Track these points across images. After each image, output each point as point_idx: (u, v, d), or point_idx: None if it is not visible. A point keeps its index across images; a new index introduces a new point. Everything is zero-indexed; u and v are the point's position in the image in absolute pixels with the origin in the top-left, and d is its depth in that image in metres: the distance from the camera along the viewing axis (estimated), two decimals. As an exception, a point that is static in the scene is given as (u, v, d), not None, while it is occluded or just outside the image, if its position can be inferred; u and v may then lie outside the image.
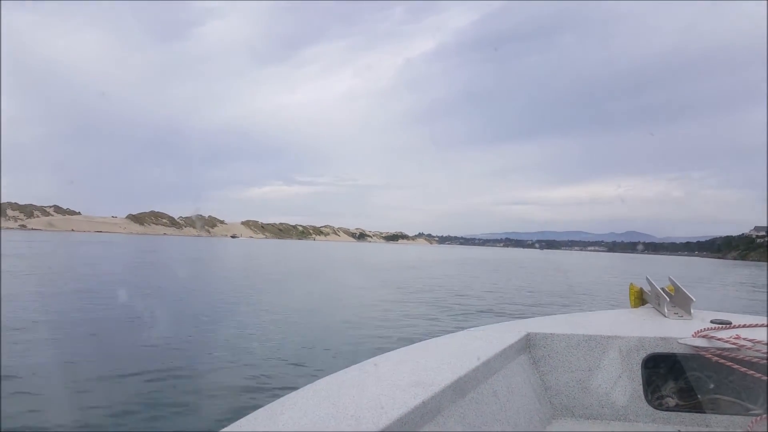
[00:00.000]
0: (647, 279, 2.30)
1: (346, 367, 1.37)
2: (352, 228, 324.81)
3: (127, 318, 9.51)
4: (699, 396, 1.67)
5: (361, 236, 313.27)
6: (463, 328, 2.01)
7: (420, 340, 1.75)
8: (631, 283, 2.40)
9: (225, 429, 0.94)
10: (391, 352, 1.56)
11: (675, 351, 1.70)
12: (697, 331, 1.73)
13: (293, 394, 1.14)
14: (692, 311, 2.05)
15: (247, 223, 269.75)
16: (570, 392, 1.77)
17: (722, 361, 1.59)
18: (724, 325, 1.79)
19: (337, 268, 30.19)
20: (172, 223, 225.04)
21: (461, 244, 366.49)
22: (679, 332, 1.75)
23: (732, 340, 1.63)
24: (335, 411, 1.02)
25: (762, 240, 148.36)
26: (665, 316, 2.05)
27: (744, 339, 1.62)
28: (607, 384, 1.74)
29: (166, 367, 5.99)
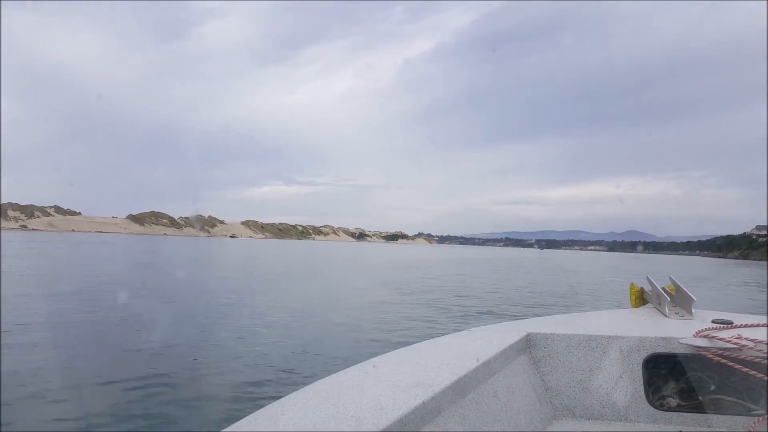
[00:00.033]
0: (648, 279, 2.29)
1: (346, 367, 1.36)
2: (351, 228, 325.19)
3: (126, 319, 9.50)
4: (700, 396, 1.67)
5: (361, 236, 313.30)
6: (463, 329, 2.00)
7: (420, 341, 1.74)
8: (632, 283, 2.40)
9: (225, 430, 0.94)
10: (391, 353, 1.56)
11: (676, 351, 1.69)
12: (699, 331, 1.72)
13: (293, 394, 1.14)
14: (693, 311, 2.04)
15: (246, 223, 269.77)
16: (571, 392, 1.76)
17: (724, 361, 1.58)
18: (725, 325, 1.78)
19: (335, 268, 30.17)
20: (172, 223, 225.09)
21: (461, 243, 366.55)
22: (680, 332, 1.74)
23: (733, 340, 1.62)
24: (335, 412, 1.02)
25: (763, 239, 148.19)
26: (666, 316, 2.04)
27: (746, 339, 1.61)
28: (608, 384, 1.73)
29: (165, 368, 5.99)
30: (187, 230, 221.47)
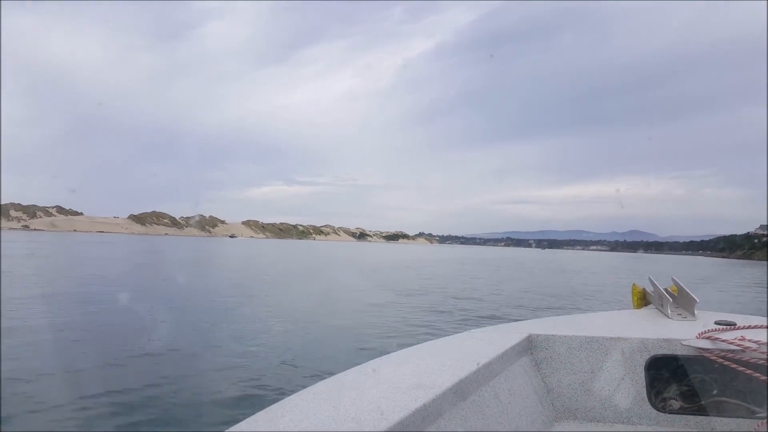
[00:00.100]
0: (650, 279, 2.27)
1: (346, 369, 1.36)
2: (352, 228, 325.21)
3: (125, 320, 9.51)
4: (703, 398, 1.65)
5: (362, 236, 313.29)
6: (464, 330, 1.99)
7: (420, 343, 1.73)
8: (634, 284, 2.38)
9: (225, 431, 0.94)
10: (392, 354, 1.55)
11: (678, 353, 1.68)
12: (701, 332, 1.71)
13: (293, 396, 1.14)
14: (696, 312, 2.02)
15: (247, 223, 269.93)
16: (572, 394, 1.75)
17: (726, 362, 1.57)
18: (728, 327, 1.76)
19: (335, 268, 30.15)
20: (173, 223, 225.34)
21: (462, 243, 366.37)
22: (683, 333, 1.73)
23: (736, 341, 1.60)
24: (335, 413, 1.02)
25: (766, 239, 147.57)
26: (668, 317, 2.03)
27: (749, 340, 1.60)
28: (610, 386, 1.72)
29: (165, 369, 5.99)
30: (188, 230, 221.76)
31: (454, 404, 1.24)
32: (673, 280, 2.21)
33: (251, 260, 35.95)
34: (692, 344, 1.65)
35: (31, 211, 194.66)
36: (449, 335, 1.87)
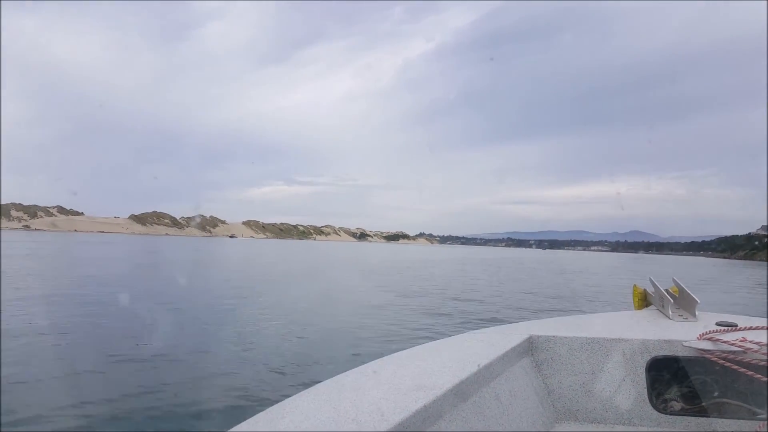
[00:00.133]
0: (651, 280, 2.27)
1: (347, 370, 1.35)
2: (353, 228, 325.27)
3: (125, 321, 9.51)
4: (704, 400, 1.65)
5: (362, 236, 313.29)
6: (464, 331, 1.98)
7: (421, 343, 1.73)
8: (635, 285, 2.38)
9: None
10: (392, 356, 1.54)
11: (679, 354, 1.67)
12: (702, 333, 1.70)
13: (294, 397, 1.14)
14: (697, 313, 2.02)
15: (248, 223, 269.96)
16: (573, 396, 1.75)
17: (728, 364, 1.56)
18: (729, 328, 1.76)
19: (335, 269, 30.15)
20: (174, 223, 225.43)
21: (462, 244, 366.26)
22: (684, 335, 1.72)
23: (738, 342, 1.60)
24: (336, 415, 1.02)
25: (767, 240, 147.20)
26: (669, 319, 2.02)
27: (750, 342, 1.59)
28: (611, 387, 1.71)
29: (165, 370, 5.99)
30: (189, 230, 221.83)
31: (455, 405, 1.23)
32: (674, 280, 2.21)
33: (250, 261, 35.94)
34: (693, 345, 1.65)
35: (32, 211, 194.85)
36: (449, 336, 1.87)
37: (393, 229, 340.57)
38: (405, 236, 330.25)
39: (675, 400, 1.69)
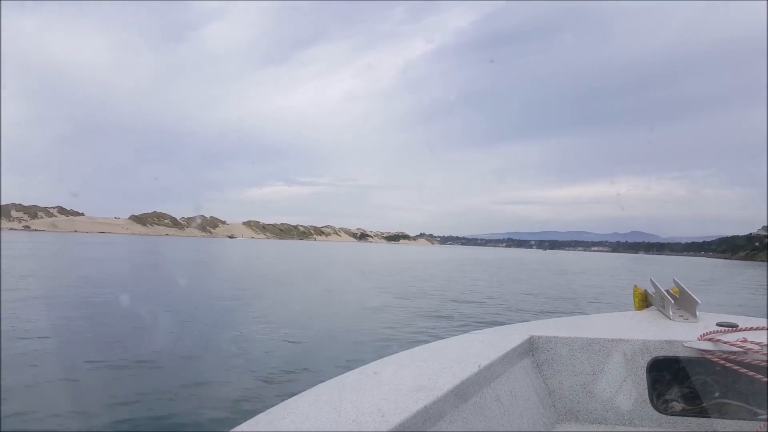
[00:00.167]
0: (651, 281, 2.27)
1: (347, 371, 1.35)
2: (353, 228, 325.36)
3: (125, 322, 9.51)
4: (705, 400, 1.65)
5: (362, 236, 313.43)
6: (465, 332, 1.99)
7: (421, 344, 1.73)
8: (636, 285, 2.38)
9: None
10: (392, 356, 1.54)
11: (680, 354, 1.67)
12: (703, 334, 1.70)
13: (294, 398, 1.13)
14: (697, 314, 2.02)
15: (248, 224, 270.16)
16: (574, 396, 1.75)
17: (729, 364, 1.56)
18: (730, 328, 1.76)
19: (335, 270, 30.14)
20: (174, 223, 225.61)
21: (463, 244, 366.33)
22: (685, 335, 1.72)
23: (738, 343, 1.60)
24: (336, 416, 1.01)
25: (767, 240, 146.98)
26: (670, 319, 2.02)
27: (751, 342, 1.59)
28: (612, 388, 1.71)
29: (166, 370, 5.99)
30: (189, 231, 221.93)
31: (456, 406, 1.23)
32: (674, 281, 2.20)
33: (250, 261, 35.94)
34: (694, 346, 1.65)
35: (32, 211, 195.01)
36: (450, 337, 1.87)
37: (393, 230, 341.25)
38: (405, 237, 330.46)
39: (676, 400, 1.69)
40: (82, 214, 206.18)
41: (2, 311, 9.09)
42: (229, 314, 10.55)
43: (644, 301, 2.31)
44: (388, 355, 1.55)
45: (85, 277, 17.40)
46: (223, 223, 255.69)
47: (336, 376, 1.31)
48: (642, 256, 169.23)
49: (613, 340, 1.75)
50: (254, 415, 1.02)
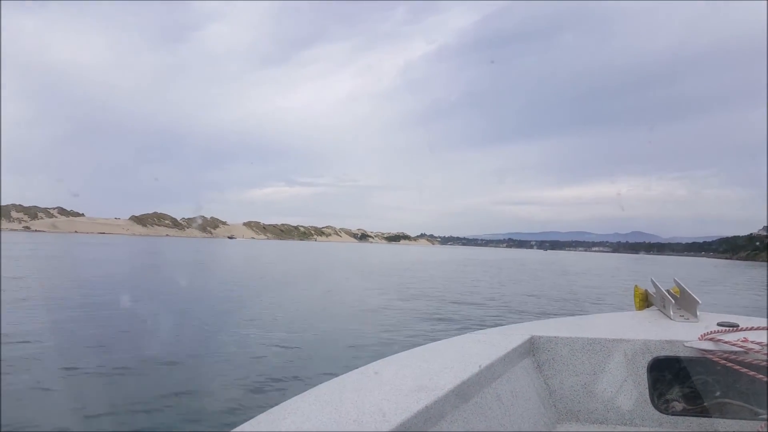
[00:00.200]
0: (652, 281, 2.27)
1: (348, 371, 1.35)
2: (353, 229, 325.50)
3: (126, 323, 9.52)
4: (706, 400, 1.65)
5: (363, 237, 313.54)
6: (465, 332, 1.99)
7: (422, 344, 1.73)
8: (636, 285, 2.38)
9: None
10: (393, 357, 1.54)
11: (681, 354, 1.67)
12: (704, 333, 1.70)
13: (295, 398, 1.13)
14: (698, 313, 2.02)
15: (249, 224, 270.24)
16: (575, 396, 1.75)
17: (729, 364, 1.56)
18: (731, 328, 1.76)
19: (336, 270, 30.14)
20: (175, 224, 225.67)
21: (463, 244, 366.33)
22: (685, 335, 1.72)
23: (739, 343, 1.60)
24: (337, 416, 1.01)
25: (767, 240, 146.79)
26: (671, 319, 2.02)
27: (751, 342, 1.59)
28: (613, 388, 1.71)
29: (166, 371, 5.99)
30: (190, 231, 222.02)
31: (456, 406, 1.23)
32: (675, 281, 2.20)
33: (249, 262, 35.94)
34: (695, 346, 1.65)
35: (33, 212, 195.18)
36: (451, 337, 1.87)
37: (394, 230, 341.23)
38: (406, 237, 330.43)
39: (677, 400, 1.69)
40: (83, 214, 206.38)
41: (2, 311, 9.10)
42: (230, 315, 10.55)
43: (645, 301, 2.31)
44: (389, 355, 1.55)
45: (85, 278, 17.41)
46: (224, 223, 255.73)
47: (337, 376, 1.31)
48: (643, 257, 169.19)
49: (613, 340, 1.75)
50: (255, 415, 1.02)
